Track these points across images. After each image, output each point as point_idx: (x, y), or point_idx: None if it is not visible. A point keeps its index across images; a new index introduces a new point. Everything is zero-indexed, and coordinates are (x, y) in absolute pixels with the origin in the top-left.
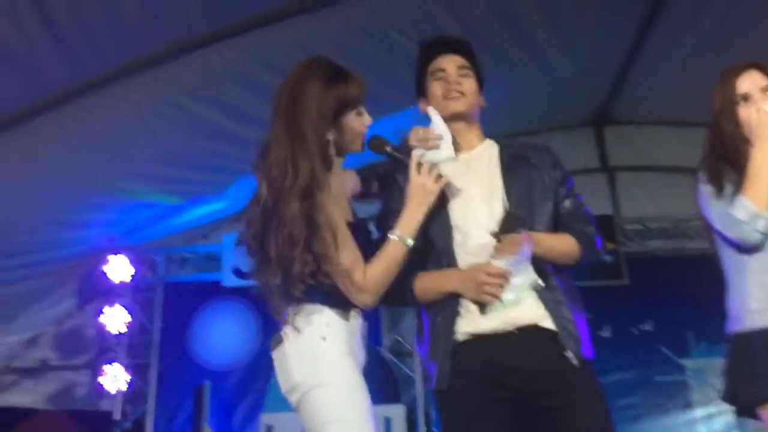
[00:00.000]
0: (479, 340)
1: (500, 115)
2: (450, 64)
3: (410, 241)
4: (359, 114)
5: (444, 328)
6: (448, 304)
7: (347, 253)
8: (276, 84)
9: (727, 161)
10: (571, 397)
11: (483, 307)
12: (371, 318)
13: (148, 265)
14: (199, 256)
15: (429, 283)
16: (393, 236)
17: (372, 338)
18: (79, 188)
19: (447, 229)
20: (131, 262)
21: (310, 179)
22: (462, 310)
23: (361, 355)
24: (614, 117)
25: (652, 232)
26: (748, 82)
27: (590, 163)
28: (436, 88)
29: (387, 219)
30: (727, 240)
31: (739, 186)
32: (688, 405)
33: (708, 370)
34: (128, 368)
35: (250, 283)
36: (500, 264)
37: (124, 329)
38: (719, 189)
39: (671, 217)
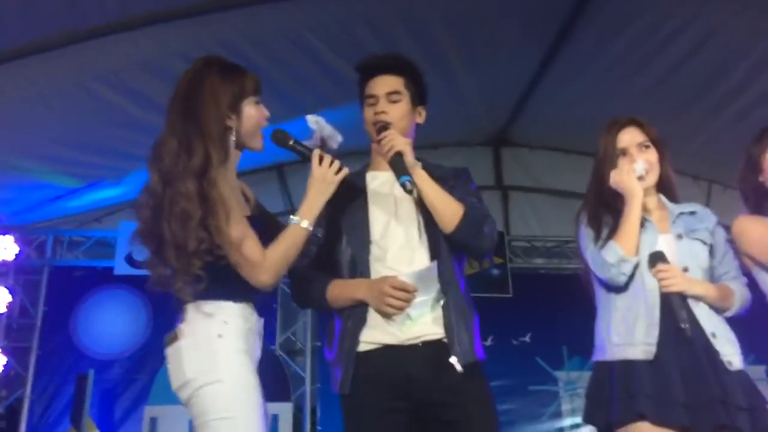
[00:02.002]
0: (385, 350)
1: None
2: (380, 88)
3: (309, 226)
4: (258, 103)
5: (352, 335)
6: (358, 312)
7: (239, 227)
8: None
9: (606, 207)
10: (465, 411)
11: (387, 317)
12: (265, 317)
13: (35, 247)
14: (91, 241)
15: (340, 290)
16: (293, 219)
17: (266, 336)
18: None
19: (366, 242)
20: (17, 241)
21: (204, 160)
22: (370, 320)
23: (257, 352)
24: (511, 139)
25: (537, 250)
26: (627, 137)
27: (486, 181)
28: (366, 113)
29: None
30: (598, 279)
31: (613, 232)
32: (559, 414)
33: (578, 382)
34: (5, 351)
35: (142, 272)
36: (406, 278)
37: (3, 310)
38: (597, 233)
39: (555, 237)
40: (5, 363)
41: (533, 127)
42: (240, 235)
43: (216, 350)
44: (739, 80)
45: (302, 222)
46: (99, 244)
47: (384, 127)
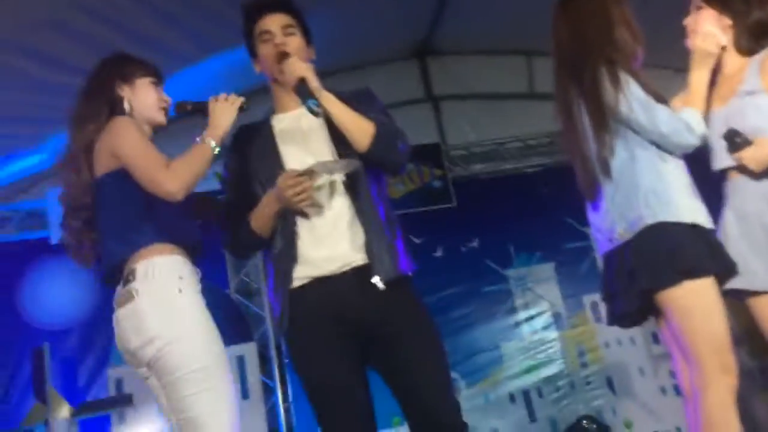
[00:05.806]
0: (316, 282)
1: (322, 54)
2: (274, 24)
3: (215, 145)
4: (154, 84)
5: (284, 274)
6: (287, 251)
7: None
8: (93, 29)
9: None
10: (397, 325)
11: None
12: (215, 261)
13: None
14: (22, 213)
15: (258, 215)
16: (198, 139)
17: (219, 281)
18: None
19: (278, 175)
20: None
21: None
22: (299, 257)
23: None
24: (436, 48)
25: (475, 156)
26: None
27: (416, 94)
28: (264, 50)
29: None
30: (659, 143)
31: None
32: (513, 310)
33: (527, 277)
34: None
35: None
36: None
37: None
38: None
39: (492, 141)
40: None
41: (456, 32)
42: (144, 142)
43: (179, 306)
44: None
45: (209, 141)
46: (30, 215)
47: (284, 55)
